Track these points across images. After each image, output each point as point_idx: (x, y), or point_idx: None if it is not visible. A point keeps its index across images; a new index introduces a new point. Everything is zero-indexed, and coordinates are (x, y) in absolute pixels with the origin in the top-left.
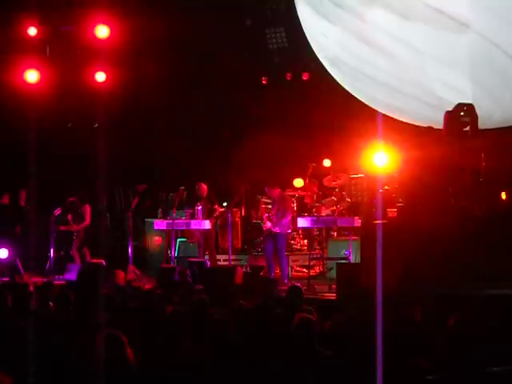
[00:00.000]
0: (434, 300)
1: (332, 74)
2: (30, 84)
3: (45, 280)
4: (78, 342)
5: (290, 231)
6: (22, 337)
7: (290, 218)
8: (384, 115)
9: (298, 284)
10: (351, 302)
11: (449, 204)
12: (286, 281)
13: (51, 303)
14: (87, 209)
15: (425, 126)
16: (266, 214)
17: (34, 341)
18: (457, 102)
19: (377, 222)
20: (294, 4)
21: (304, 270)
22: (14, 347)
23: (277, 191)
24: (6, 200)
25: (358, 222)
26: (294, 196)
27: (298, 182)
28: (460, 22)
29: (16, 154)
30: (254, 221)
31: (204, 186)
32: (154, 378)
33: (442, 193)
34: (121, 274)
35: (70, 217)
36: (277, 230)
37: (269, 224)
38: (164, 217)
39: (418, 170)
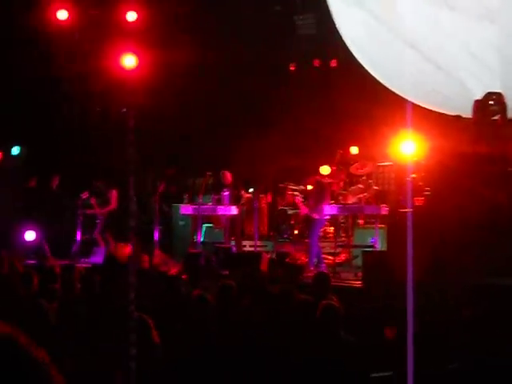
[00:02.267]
0: (461, 289)
1: (360, 61)
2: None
3: (71, 263)
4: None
5: (326, 217)
6: (46, 318)
7: (326, 204)
8: (412, 103)
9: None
10: (377, 290)
11: (476, 193)
12: (311, 267)
13: (77, 285)
14: (114, 193)
15: (453, 114)
16: (302, 200)
17: (61, 323)
18: (485, 92)
19: (404, 210)
20: None
21: (329, 257)
22: (39, 328)
23: (315, 177)
24: (33, 183)
25: (384, 209)
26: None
27: (325, 169)
28: (491, 11)
29: (48, 139)
30: (281, 207)
31: (228, 175)
32: (178, 362)
33: (470, 182)
34: (146, 258)
35: (93, 200)
36: (315, 215)
37: (305, 210)
38: (190, 202)
39: (445, 159)
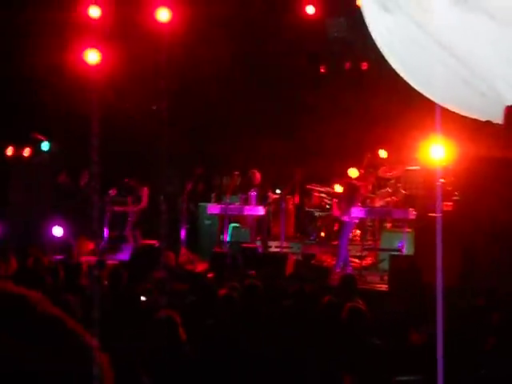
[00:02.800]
0: (491, 293)
1: (392, 64)
2: (90, 65)
3: (98, 259)
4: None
5: (357, 221)
6: (72, 312)
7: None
8: (442, 108)
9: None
10: (403, 294)
11: (505, 198)
12: (337, 270)
13: (105, 281)
14: (145, 191)
15: (483, 120)
16: (336, 201)
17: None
18: None
19: (433, 214)
20: None
21: (356, 260)
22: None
23: (347, 179)
24: (62, 179)
25: (412, 214)
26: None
27: (353, 172)
28: None
29: (77, 136)
30: (308, 209)
31: (257, 174)
32: (205, 360)
33: (499, 187)
34: (171, 256)
35: (129, 199)
36: (345, 218)
37: (337, 212)
38: (217, 201)
39: (474, 164)
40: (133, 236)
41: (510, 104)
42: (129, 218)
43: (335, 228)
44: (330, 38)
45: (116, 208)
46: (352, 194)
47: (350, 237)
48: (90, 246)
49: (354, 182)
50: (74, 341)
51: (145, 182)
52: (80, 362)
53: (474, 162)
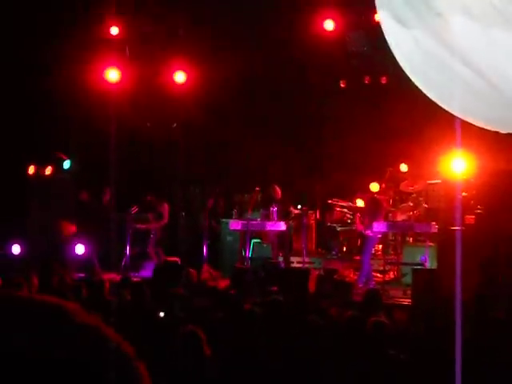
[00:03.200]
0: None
1: (412, 78)
2: (110, 83)
3: (121, 276)
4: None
5: (380, 235)
6: None
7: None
8: (462, 121)
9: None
10: (427, 308)
11: None
12: (360, 285)
13: (128, 298)
14: (166, 207)
15: (504, 132)
16: (359, 215)
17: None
18: None
19: (455, 228)
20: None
21: (378, 275)
22: None
23: (370, 194)
24: (84, 197)
25: (434, 227)
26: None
27: (375, 187)
28: None
29: (97, 153)
30: (329, 223)
31: (278, 189)
32: (230, 375)
33: None
34: (193, 273)
35: (151, 215)
36: (368, 233)
37: (361, 226)
38: (239, 217)
39: (496, 177)
40: (155, 253)
41: None
42: (151, 235)
43: (358, 243)
44: (349, 52)
45: (138, 225)
46: (375, 208)
47: (373, 251)
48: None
49: (376, 196)
50: (113, 349)
51: (165, 198)
52: (119, 370)
53: (494, 176)
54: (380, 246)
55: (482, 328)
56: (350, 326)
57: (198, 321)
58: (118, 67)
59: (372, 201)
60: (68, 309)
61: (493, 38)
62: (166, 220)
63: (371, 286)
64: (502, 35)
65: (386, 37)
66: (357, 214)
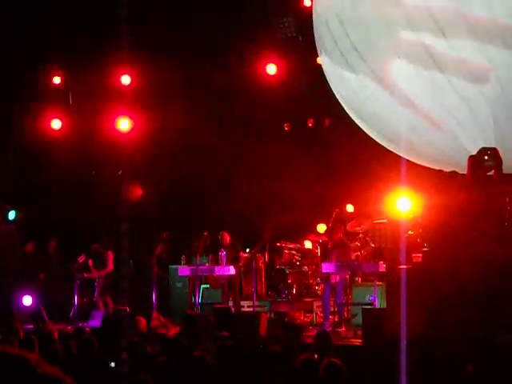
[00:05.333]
0: (457, 346)
1: (355, 120)
2: (54, 131)
3: (73, 327)
4: None
5: (347, 276)
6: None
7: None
8: (407, 160)
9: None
10: (377, 348)
11: (473, 249)
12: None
13: (75, 350)
14: (110, 255)
15: (448, 170)
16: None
17: None
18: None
19: (403, 266)
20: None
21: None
22: None
23: (338, 235)
24: (30, 248)
25: (382, 267)
26: (317, 241)
27: (322, 228)
28: (482, 74)
29: (43, 203)
30: (278, 266)
31: (227, 235)
32: None
33: (467, 238)
34: (143, 321)
35: (90, 262)
36: (337, 278)
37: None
38: (188, 263)
39: (442, 215)
40: (103, 302)
41: (472, 153)
42: (95, 284)
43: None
44: (292, 95)
45: (85, 274)
46: (344, 249)
47: (320, 292)
48: None
49: (344, 238)
50: None
51: (110, 246)
52: None
53: (440, 214)
54: None
55: (429, 365)
56: (303, 370)
57: (148, 369)
58: (60, 117)
59: (340, 242)
60: (30, 360)
61: (433, 78)
62: (110, 268)
63: (324, 328)
64: (435, 76)
65: (329, 80)
66: (315, 258)
